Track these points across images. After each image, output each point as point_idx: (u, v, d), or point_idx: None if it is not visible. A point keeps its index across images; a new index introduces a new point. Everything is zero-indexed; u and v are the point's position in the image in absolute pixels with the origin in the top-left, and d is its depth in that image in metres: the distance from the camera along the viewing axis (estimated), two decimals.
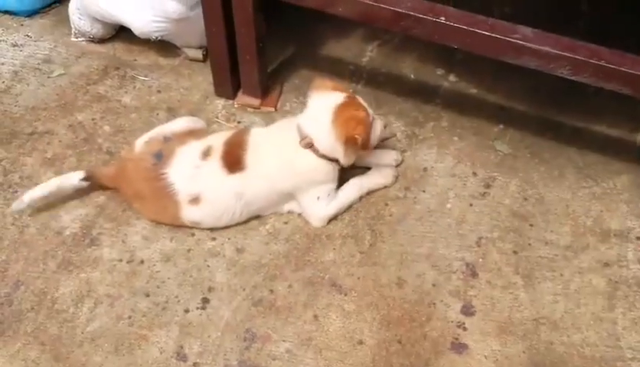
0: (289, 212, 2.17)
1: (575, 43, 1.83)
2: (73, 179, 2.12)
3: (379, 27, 2.13)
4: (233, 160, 2.04)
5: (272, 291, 1.99)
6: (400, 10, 1.93)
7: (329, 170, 2.08)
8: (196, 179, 2.03)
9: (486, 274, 2.02)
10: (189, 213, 2.05)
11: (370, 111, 2.07)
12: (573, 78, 1.85)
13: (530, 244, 2.09)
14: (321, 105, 2.02)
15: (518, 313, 1.93)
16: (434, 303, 1.96)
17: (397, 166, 2.29)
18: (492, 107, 2.51)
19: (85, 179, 2.12)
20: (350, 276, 2.02)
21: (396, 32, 2.00)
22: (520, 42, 1.84)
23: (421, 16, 1.91)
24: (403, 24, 1.94)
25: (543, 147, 2.37)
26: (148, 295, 1.98)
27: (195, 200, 2.03)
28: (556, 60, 1.83)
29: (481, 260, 2.05)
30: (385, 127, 2.18)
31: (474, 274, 2.02)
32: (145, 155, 2.07)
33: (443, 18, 1.90)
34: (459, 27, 1.88)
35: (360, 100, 2.07)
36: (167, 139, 2.10)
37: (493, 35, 1.86)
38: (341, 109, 1.99)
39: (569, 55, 1.81)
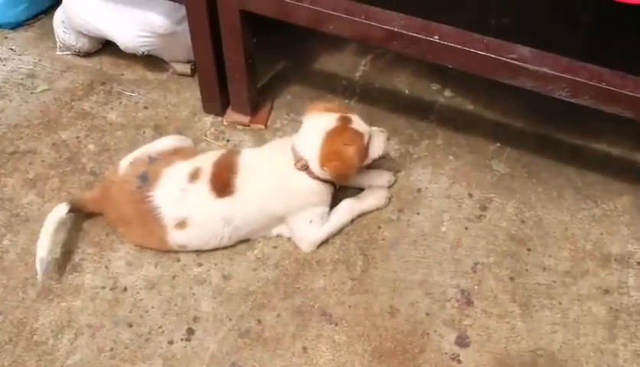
0: (278, 236, 2.09)
1: (574, 64, 1.75)
2: (59, 215, 2.00)
3: (371, 45, 2.05)
4: (223, 183, 1.96)
5: (259, 321, 1.91)
6: (392, 28, 1.86)
7: (324, 193, 2.01)
8: (183, 202, 1.95)
9: (482, 302, 1.95)
10: (175, 237, 1.98)
11: (367, 128, 2.00)
12: (571, 100, 1.77)
13: (527, 270, 2.02)
14: (315, 127, 1.95)
15: (515, 344, 1.86)
16: (427, 334, 1.88)
17: (390, 187, 2.21)
18: (489, 124, 2.43)
19: (70, 211, 2.04)
20: (341, 304, 1.94)
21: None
22: (517, 62, 1.77)
23: (414, 35, 1.84)
24: (396, 43, 1.87)
25: (541, 166, 2.29)
26: (131, 325, 1.90)
27: (182, 224, 1.96)
28: (554, 82, 1.76)
29: (476, 287, 1.98)
30: (388, 139, 2.11)
31: (469, 302, 1.95)
32: (129, 177, 1.99)
33: (437, 37, 1.82)
34: (454, 46, 1.81)
35: (355, 121, 1.98)
36: (152, 160, 2.03)
37: (488, 55, 1.79)
38: (329, 137, 1.93)
39: (568, 76, 1.74)
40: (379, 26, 1.87)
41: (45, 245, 1.95)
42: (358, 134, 1.95)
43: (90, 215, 2.12)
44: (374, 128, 2.08)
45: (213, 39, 2.17)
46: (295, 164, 1.95)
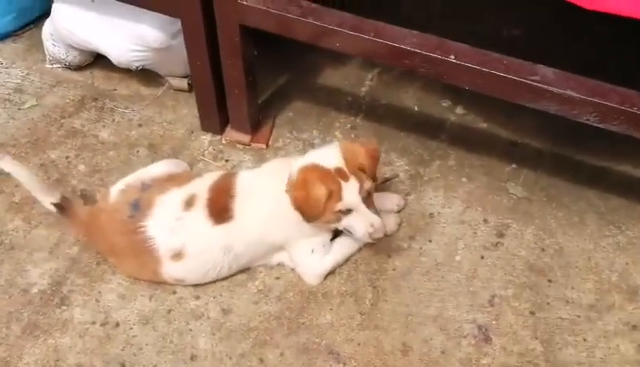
0: (280, 265, 1.95)
1: (603, 87, 1.62)
2: (46, 197, 1.92)
3: (380, 63, 1.91)
4: (220, 208, 1.83)
5: (261, 360, 1.78)
6: (404, 46, 1.72)
7: None
8: (178, 232, 1.82)
9: (500, 338, 1.81)
10: (171, 270, 1.84)
11: (357, 199, 1.75)
12: (599, 125, 1.64)
13: (548, 303, 1.89)
14: (317, 155, 1.80)
15: None
16: None
17: (400, 211, 2.07)
18: (503, 144, 2.30)
19: (57, 205, 1.91)
20: (349, 342, 1.81)
21: (401, 70, 1.75)
22: (540, 84, 1.64)
23: (428, 54, 1.70)
24: (408, 62, 1.73)
25: (561, 189, 2.16)
26: (123, 365, 1.77)
27: (178, 256, 1.82)
28: (580, 106, 1.62)
29: (494, 322, 1.85)
30: (374, 181, 1.82)
31: (487, 339, 1.81)
32: (120, 205, 1.86)
33: (453, 56, 1.69)
34: (471, 66, 1.68)
35: (348, 188, 1.74)
36: (145, 186, 1.89)
37: (508, 76, 1.65)
38: (314, 168, 1.75)
39: (596, 100, 1.60)
40: (389, 44, 1.74)
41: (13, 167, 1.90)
42: (338, 188, 1.72)
43: (74, 227, 1.99)
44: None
45: (210, 54, 2.04)
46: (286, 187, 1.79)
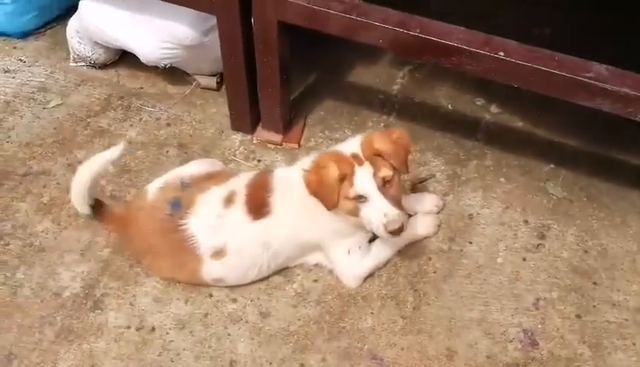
0: (318, 267, 1.91)
1: None
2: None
3: (424, 61, 1.86)
4: (258, 204, 1.78)
5: (302, 366, 1.73)
6: (450, 43, 1.68)
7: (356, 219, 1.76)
8: (219, 229, 1.77)
9: (547, 342, 1.77)
10: (212, 269, 1.80)
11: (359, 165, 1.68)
12: None
13: (594, 306, 1.84)
14: (339, 145, 1.76)
15: None
16: None
17: (439, 212, 2.03)
18: (540, 143, 2.25)
19: (94, 212, 1.89)
20: (392, 346, 1.76)
21: (446, 67, 1.70)
22: (594, 82, 1.59)
23: (476, 51, 1.66)
24: (455, 59, 1.69)
25: (601, 189, 2.11)
26: None
27: (219, 254, 1.77)
28: (636, 103, 1.58)
29: (540, 326, 1.80)
30: (402, 171, 1.72)
31: (533, 343, 1.77)
32: (159, 204, 1.81)
33: (502, 54, 1.64)
34: (522, 63, 1.63)
35: (351, 151, 1.69)
36: (185, 185, 1.84)
37: (562, 73, 1.61)
38: (321, 156, 1.71)
39: None
40: (436, 40, 1.69)
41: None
42: (351, 171, 1.66)
43: (108, 229, 1.95)
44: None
45: (245, 51, 1.99)
46: None
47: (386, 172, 1.66)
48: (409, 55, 1.78)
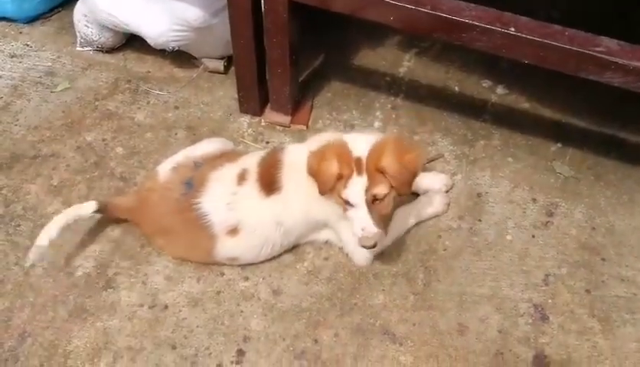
0: (329, 245, 1.92)
1: None
2: (85, 211, 1.85)
3: (435, 39, 1.87)
4: (269, 180, 1.78)
5: (316, 341, 1.74)
6: (462, 19, 1.68)
7: None
8: (233, 207, 1.77)
9: (558, 317, 1.79)
10: (226, 247, 1.80)
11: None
12: None
13: (603, 281, 1.86)
14: (354, 136, 1.75)
15: (599, 364, 1.71)
16: (502, 354, 1.72)
17: (448, 191, 2.04)
18: (547, 123, 2.27)
19: (98, 211, 1.86)
20: (404, 322, 1.78)
21: (456, 45, 1.72)
22: (604, 56, 1.61)
23: (487, 27, 1.66)
24: (466, 36, 1.70)
25: (608, 168, 2.13)
26: (174, 347, 1.73)
27: (233, 232, 1.78)
28: None
29: (550, 301, 1.82)
30: (399, 192, 1.71)
31: (544, 318, 1.79)
32: (172, 184, 1.81)
33: (513, 29, 1.65)
34: (532, 38, 1.64)
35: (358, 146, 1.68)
36: (197, 165, 1.84)
37: (572, 48, 1.62)
38: (330, 145, 1.70)
39: None
40: (447, 17, 1.70)
41: (51, 234, 1.76)
42: (349, 175, 1.66)
43: (118, 221, 1.94)
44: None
45: (255, 32, 1.99)
46: None
47: (380, 190, 1.65)
48: (420, 32, 1.78)
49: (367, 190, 1.65)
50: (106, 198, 1.96)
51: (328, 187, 1.67)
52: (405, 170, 1.65)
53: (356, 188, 1.65)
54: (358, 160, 1.65)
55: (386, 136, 1.73)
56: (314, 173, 1.68)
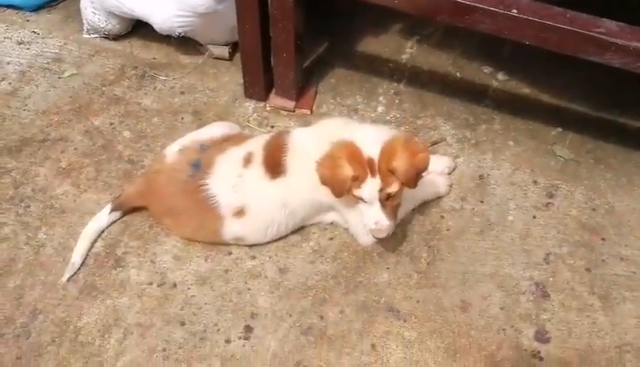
0: (334, 225, 1.95)
1: None
2: (103, 219, 1.92)
3: (439, 22, 1.90)
4: (274, 163, 1.82)
5: (322, 318, 1.78)
6: (465, 1, 1.72)
7: None
8: (240, 189, 1.81)
9: (558, 294, 1.83)
10: (232, 228, 1.84)
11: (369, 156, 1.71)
12: None
13: (603, 260, 1.90)
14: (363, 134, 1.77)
15: (599, 339, 1.74)
16: (504, 329, 1.76)
17: (450, 173, 2.08)
18: (547, 107, 2.31)
19: (114, 209, 1.92)
20: (408, 299, 1.81)
21: (459, 27, 1.75)
22: (604, 37, 1.64)
23: (490, 9, 1.70)
24: (468, 18, 1.73)
25: (607, 151, 2.17)
26: (183, 323, 1.76)
27: (240, 213, 1.82)
28: None
29: (551, 279, 1.86)
30: (408, 186, 1.75)
31: (545, 295, 1.83)
32: (180, 165, 1.85)
33: (515, 11, 1.69)
34: (533, 20, 1.68)
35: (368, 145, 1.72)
36: (204, 147, 1.88)
37: (573, 29, 1.66)
38: (340, 148, 1.73)
39: None
40: None
41: (82, 252, 1.86)
42: (363, 176, 1.71)
43: (136, 210, 1.98)
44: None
45: (261, 17, 2.03)
46: None
47: (393, 189, 1.72)
48: (425, 14, 1.81)
49: (380, 190, 1.71)
50: (119, 196, 1.97)
51: (344, 191, 1.72)
52: (414, 168, 1.72)
53: (372, 189, 1.71)
54: (371, 161, 1.70)
55: (396, 136, 1.76)
56: (328, 180, 1.72)
